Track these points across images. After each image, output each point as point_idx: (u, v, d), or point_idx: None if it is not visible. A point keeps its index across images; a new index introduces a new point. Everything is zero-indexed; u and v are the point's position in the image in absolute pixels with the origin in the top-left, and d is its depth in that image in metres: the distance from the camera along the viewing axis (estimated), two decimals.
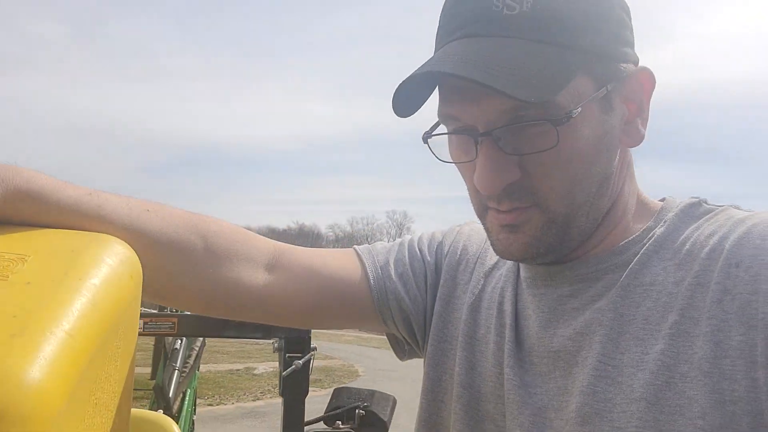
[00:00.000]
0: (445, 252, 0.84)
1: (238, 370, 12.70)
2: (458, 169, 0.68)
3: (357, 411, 1.86)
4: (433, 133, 0.67)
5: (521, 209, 0.63)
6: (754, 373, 0.51)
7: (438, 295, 0.80)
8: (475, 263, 0.81)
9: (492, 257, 0.80)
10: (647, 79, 0.65)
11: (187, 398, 3.88)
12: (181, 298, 0.76)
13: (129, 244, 0.64)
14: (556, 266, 0.68)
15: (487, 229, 0.68)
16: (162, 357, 3.75)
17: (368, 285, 0.80)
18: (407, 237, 0.88)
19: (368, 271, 0.80)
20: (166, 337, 3.69)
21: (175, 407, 3.62)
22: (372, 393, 1.96)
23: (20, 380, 0.42)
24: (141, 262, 0.64)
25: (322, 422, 1.85)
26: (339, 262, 0.81)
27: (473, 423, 0.72)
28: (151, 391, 3.78)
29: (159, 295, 0.74)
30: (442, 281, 0.81)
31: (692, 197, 0.68)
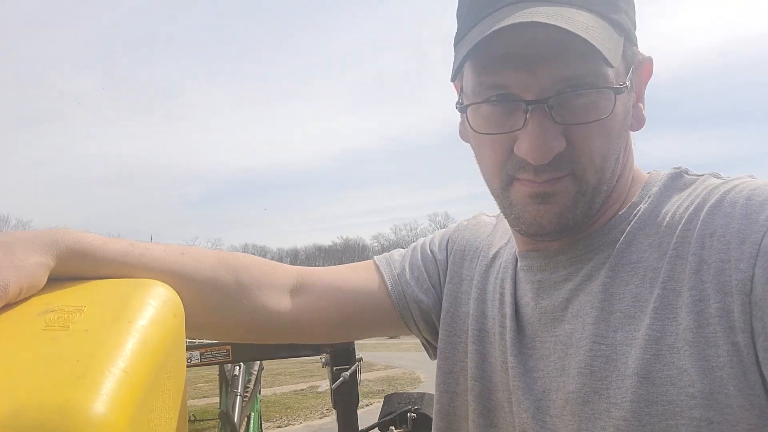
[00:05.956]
0: (452, 249, 0.89)
1: (302, 389, 12.89)
2: (484, 141, 0.67)
3: (408, 414, 1.92)
4: (475, 101, 0.65)
5: (556, 179, 0.63)
6: (734, 337, 0.54)
7: (445, 291, 0.85)
8: (479, 257, 0.85)
9: (492, 249, 0.84)
10: (650, 68, 0.70)
11: (252, 422, 4.01)
12: (221, 329, 0.83)
13: (170, 285, 0.71)
14: (551, 251, 0.72)
15: (510, 203, 0.68)
16: (223, 384, 3.89)
17: (387, 293, 0.86)
18: (421, 240, 0.93)
19: (386, 279, 0.86)
20: (225, 365, 3.84)
21: (242, 431, 3.74)
22: (422, 395, 2.02)
23: (87, 415, 0.48)
24: (182, 301, 0.71)
25: (376, 429, 1.92)
26: (358, 275, 0.88)
27: (486, 412, 0.76)
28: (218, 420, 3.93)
29: (201, 330, 0.81)
30: (448, 278, 0.86)
31: (674, 168, 0.70)
